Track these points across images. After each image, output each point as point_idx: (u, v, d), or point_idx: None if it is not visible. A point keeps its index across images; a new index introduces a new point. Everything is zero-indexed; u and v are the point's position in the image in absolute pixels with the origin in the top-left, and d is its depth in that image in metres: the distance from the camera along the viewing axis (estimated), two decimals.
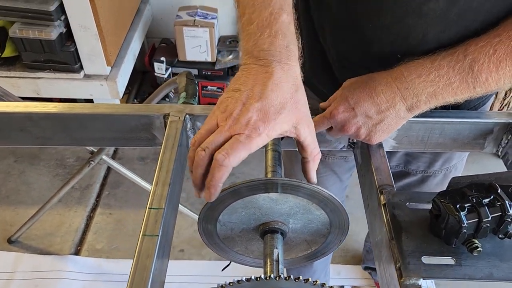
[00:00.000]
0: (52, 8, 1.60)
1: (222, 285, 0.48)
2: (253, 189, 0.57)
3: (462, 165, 0.99)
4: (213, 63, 2.05)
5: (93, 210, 1.84)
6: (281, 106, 0.51)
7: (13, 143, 0.79)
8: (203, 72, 2.07)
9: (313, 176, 0.57)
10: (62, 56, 1.73)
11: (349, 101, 0.67)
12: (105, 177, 1.97)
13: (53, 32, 1.64)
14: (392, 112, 0.65)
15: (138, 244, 0.56)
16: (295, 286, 0.48)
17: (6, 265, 1.61)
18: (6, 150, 2.06)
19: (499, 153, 0.80)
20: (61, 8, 1.63)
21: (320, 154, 0.58)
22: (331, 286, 0.49)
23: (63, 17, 1.66)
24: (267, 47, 0.53)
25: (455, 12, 0.62)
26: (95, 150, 1.39)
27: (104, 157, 1.40)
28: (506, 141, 0.78)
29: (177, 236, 1.75)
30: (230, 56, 2.06)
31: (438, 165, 0.94)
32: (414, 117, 0.77)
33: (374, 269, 1.62)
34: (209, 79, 2.07)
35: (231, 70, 2.06)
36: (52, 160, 2.02)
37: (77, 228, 1.76)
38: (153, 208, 0.59)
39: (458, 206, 0.52)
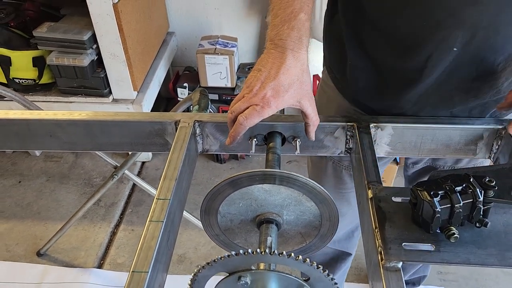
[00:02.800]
0: (85, 37, 1.76)
1: (214, 260, 0.54)
2: (249, 180, 0.63)
3: (487, 162, 1.01)
4: (233, 89, 2.16)
5: (117, 226, 1.93)
6: (289, 86, 0.68)
7: (43, 147, 0.88)
8: (223, 97, 2.17)
9: (312, 135, 0.76)
10: (93, 82, 1.87)
11: None
12: (129, 196, 2.07)
13: (86, 60, 1.79)
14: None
15: (145, 229, 0.63)
16: (280, 260, 0.53)
17: (34, 277, 1.70)
18: (40, 170, 2.20)
19: (491, 158, 0.84)
20: (94, 38, 1.78)
21: (318, 120, 0.74)
22: (313, 262, 0.54)
23: (95, 46, 1.81)
24: (285, 37, 0.68)
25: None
26: (118, 165, 1.48)
27: (126, 171, 1.49)
28: (497, 147, 0.82)
29: (195, 252, 1.81)
30: None
31: (465, 162, 0.97)
32: (406, 123, 0.83)
33: None
34: (229, 103, 2.17)
35: None
36: (80, 180, 2.14)
37: (101, 243, 1.84)
38: (160, 199, 0.67)
39: (432, 193, 0.57)
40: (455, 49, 0.72)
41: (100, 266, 1.77)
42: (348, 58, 0.87)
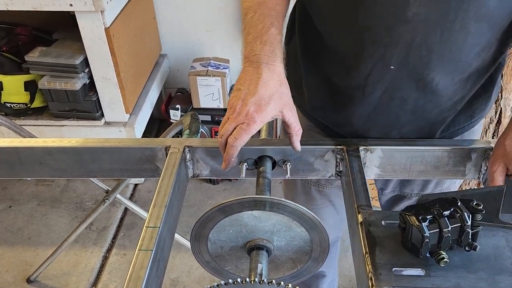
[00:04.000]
0: (77, 62, 1.77)
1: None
2: (239, 206, 0.63)
3: (455, 187, 1.02)
4: (225, 110, 2.17)
5: (109, 250, 1.90)
6: (269, 98, 0.69)
7: (34, 175, 0.88)
8: (216, 118, 2.18)
9: (297, 145, 0.75)
10: (85, 105, 1.87)
11: None
12: (122, 219, 2.05)
13: (78, 83, 1.79)
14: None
15: (133, 258, 0.62)
16: None
17: None
18: (31, 194, 2.18)
19: (480, 179, 0.85)
20: (86, 62, 1.79)
21: (301, 130, 0.74)
22: None
23: (87, 70, 1.82)
24: (258, 52, 0.70)
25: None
26: (110, 189, 1.47)
27: (118, 195, 1.48)
28: (485, 168, 0.83)
29: (188, 275, 1.79)
30: None
31: (431, 188, 0.99)
32: (395, 145, 0.83)
33: None
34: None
35: None
36: (72, 204, 2.12)
37: (92, 268, 1.81)
38: (150, 227, 0.66)
39: (420, 217, 0.57)
40: (392, 67, 0.74)
41: None
42: (303, 76, 0.90)
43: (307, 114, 0.96)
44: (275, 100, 0.69)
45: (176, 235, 1.68)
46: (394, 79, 0.76)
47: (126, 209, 2.08)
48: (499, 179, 0.73)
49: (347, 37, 0.76)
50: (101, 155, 0.84)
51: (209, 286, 0.53)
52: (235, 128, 0.69)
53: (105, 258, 1.87)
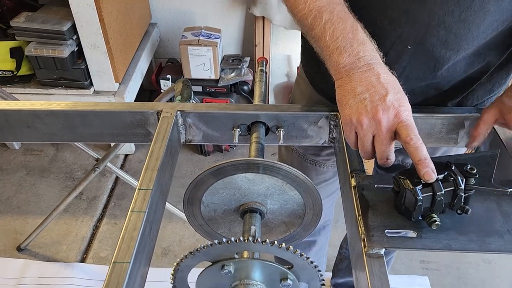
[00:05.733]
0: (65, 28, 1.72)
1: (197, 249, 0.54)
2: (232, 169, 0.63)
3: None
4: (217, 81, 2.14)
5: (100, 220, 1.90)
6: (399, 88, 0.62)
7: (22, 139, 0.86)
8: (207, 89, 2.15)
9: (419, 153, 0.59)
10: (73, 73, 1.84)
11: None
12: (112, 189, 2.04)
13: (65, 51, 1.75)
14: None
15: (126, 220, 0.62)
16: (263, 248, 0.53)
17: (14, 272, 1.67)
18: (19, 163, 2.15)
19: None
20: (73, 28, 1.74)
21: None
22: (296, 250, 0.54)
23: (75, 37, 1.77)
24: (362, 53, 0.62)
25: None
26: (100, 158, 1.46)
27: (108, 164, 1.47)
28: None
29: (180, 244, 1.80)
30: (233, 74, 2.15)
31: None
32: None
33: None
34: (213, 95, 2.16)
35: (234, 87, 2.15)
36: (62, 173, 2.10)
37: (83, 236, 1.82)
38: (142, 189, 0.66)
39: (414, 181, 0.57)
40: (409, 47, 0.73)
41: (83, 260, 1.74)
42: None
43: (322, 91, 0.93)
44: (402, 91, 0.62)
45: (168, 204, 1.68)
46: (411, 59, 0.74)
47: (117, 179, 2.07)
48: (487, 119, 0.72)
49: (363, 18, 0.72)
50: (91, 119, 0.82)
51: (203, 245, 0.53)
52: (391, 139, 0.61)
53: (96, 227, 1.87)
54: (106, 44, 1.77)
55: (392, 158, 0.64)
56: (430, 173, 0.56)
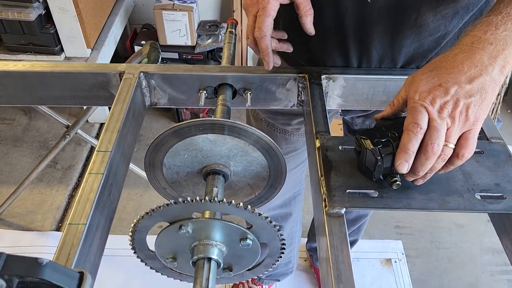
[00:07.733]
0: None
1: (153, 209, 0.52)
2: (193, 129, 0.61)
3: None
4: (193, 47, 2.09)
5: (75, 189, 1.88)
6: None
7: None
8: (183, 56, 2.10)
9: (309, 27, 0.70)
10: (43, 39, 1.76)
11: (428, 87, 0.56)
12: (88, 158, 2.01)
13: (32, 14, 1.67)
14: (486, 76, 0.55)
15: (83, 182, 0.60)
16: (221, 208, 0.52)
17: None
18: None
19: None
20: None
21: (312, 10, 0.69)
22: (254, 209, 0.53)
23: None
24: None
25: None
26: (70, 124, 1.42)
27: (79, 131, 1.44)
28: None
29: None
30: (210, 40, 2.10)
31: None
32: (358, 74, 0.82)
33: (316, 252, 1.63)
34: (189, 62, 2.11)
35: (211, 54, 2.10)
36: (35, 143, 2.06)
37: (58, 206, 1.80)
38: (101, 151, 0.64)
39: (375, 141, 0.56)
40: (368, 0, 0.70)
41: (58, 229, 1.73)
42: (281, 13, 0.79)
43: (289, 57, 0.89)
44: None
45: (141, 172, 1.66)
46: (370, 13, 0.72)
47: (92, 148, 2.04)
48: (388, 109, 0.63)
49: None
50: (50, 80, 0.79)
51: (159, 205, 0.52)
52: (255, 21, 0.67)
53: (71, 196, 1.85)
54: (75, 7, 1.70)
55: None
56: (405, 166, 0.55)
